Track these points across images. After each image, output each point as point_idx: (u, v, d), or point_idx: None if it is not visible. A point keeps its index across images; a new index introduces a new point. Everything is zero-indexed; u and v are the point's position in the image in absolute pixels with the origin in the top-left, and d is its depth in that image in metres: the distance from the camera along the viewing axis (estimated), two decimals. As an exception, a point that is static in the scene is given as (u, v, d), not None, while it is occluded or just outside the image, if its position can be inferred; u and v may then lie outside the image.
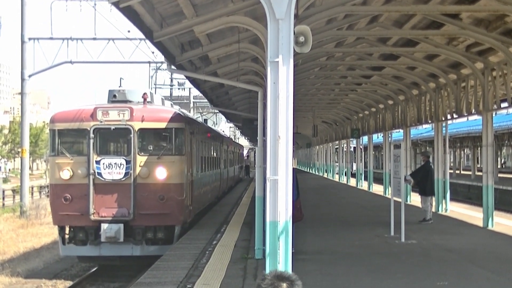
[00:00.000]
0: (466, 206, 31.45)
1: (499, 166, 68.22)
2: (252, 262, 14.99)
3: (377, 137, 59.03)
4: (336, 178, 61.24)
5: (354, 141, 54.25)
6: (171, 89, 66.86)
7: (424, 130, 67.51)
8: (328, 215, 26.17)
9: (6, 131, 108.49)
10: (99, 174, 19.63)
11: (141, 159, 19.77)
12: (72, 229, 20.02)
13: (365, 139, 48.89)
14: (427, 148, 64.52)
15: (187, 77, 25.13)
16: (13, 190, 51.30)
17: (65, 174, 19.71)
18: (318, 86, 33.67)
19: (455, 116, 25.43)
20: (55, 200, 20.01)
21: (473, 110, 23.46)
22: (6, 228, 33.94)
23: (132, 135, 19.75)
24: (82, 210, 19.56)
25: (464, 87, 24.29)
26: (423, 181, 22.81)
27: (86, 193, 19.53)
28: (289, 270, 8.63)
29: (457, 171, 67.56)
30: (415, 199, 29.01)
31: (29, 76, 39.32)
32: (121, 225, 19.44)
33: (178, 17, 15.72)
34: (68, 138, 20.51)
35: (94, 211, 19.53)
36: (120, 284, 19.31)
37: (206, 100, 41.42)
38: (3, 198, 48.67)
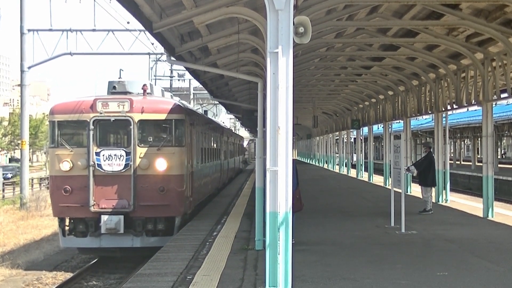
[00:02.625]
0: (466, 197, 31.52)
1: (499, 157, 68.27)
2: (252, 253, 15.00)
3: (378, 128, 59.02)
4: (337, 169, 61.27)
5: (355, 132, 54.26)
6: (171, 80, 66.86)
7: (424, 120, 67.56)
8: (328, 205, 26.18)
9: (5, 123, 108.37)
10: (99, 165, 19.62)
11: (141, 151, 19.75)
12: (72, 221, 20.01)
13: (365, 129, 48.89)
14: (427, 138, 64.53)
15: (187, 68, 25.12)
16: (13, 182, 51.34)
17: (65, 166, 19.70)
18: (318, 77, 33.65)
19: (455, 106, 25.39)
20: (55, 192, 20.00)
21: (473, 101, 23.44)
22: (6, 220, 33.99)
23: (132, 127, 19.73)
24: (82, 201, 19.56)
25: (464, 78, 24.28)
26: (425, 172, 22.80)
27: (86, 185, 19.52)
28: (289, 261, 8.64)
29: (458, 162, 67.64)
30: (416, 189, 29.03)
31: (29, 67, 39.31)
32: (121, 217, 19.44)
33: (177, 8, 15.70)
34: (67, 129, 20.48)
35: (94, 202, 19.53)
36: (121, 275, 19.32)
37: (206, 91, 41.39)
38: (3, 190, 48.71)
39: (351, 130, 52.46)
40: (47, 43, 40.51)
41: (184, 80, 69.71)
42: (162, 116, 20.24)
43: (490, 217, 21.19)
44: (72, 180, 19.69)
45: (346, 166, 56.20)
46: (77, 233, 19.90)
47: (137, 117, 19.83)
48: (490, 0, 17.31)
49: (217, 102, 53.39)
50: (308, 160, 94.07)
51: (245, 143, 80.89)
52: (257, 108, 17.44)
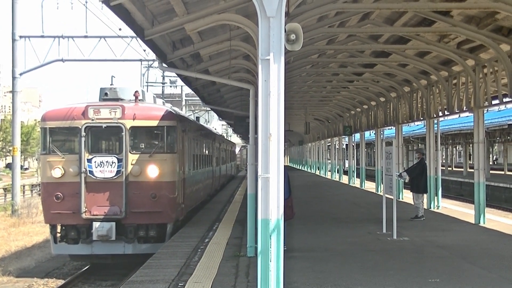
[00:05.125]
0: (458, 203, 31.57)
1: (491, 163, 68.43)
2: (244, 260, 14.99)
3: (369, 134, 59.12)
4: (329, 175, 61.28)
5: (346, 138, 54.33)
6: (163, 87, 66.80)
7: (416, 127, 67.64)
8: (320, 212, 26.19)
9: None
10: (91, 172, 19.59)
11: (133, 157, 19.74)
12: (63, 228, 19.97)
13: (357, 136, 48.96)
14: (419, 145, 64.62)
15: (179, 75, 25.11)
16: (5, 189, 51.19)
17: (57, 173, 19.67)
18: (310, 83, 33.67)
19: (446, 113, 25.44)
20: (47, 199, 19.96)
21: (464, 107, 23.50)
22: (-2, 226, 33.86)
23: (123, 133, 19.71)
24: (73, 208, 19.52)
25: (456, 84, 24.33)
26: (417, 178, 22.84)
27: (77, 192, 19.48)
28: (281, 268, 8.64)
29: (449, 168, 67.73)
30: (407, 196, 29.06)
31: (20, 74, 39.22)
32: (113, 224, 19.41)
33: (169, 15, 15.71)
34: (59, 136, 20.45)
35: (86, 209, 19.49)
36: (112, 282, 19.28)
37: (198, 98, 41.41)
38: (-5, 197, 48.57)
39: (343, 136, 52.51)
40: (39, 49, 40.64)
41: (176, 86, 69.75)
42: (154, 123, 20.23)
43: (481, 224, 21.23)
44: (64, 187, 19.66)
45: (338, 172, 56.21)
46: (68, 240, 19.86)
47: (129, 123, 19.82)
48: (481, 7, 17.35)
49: (209, 109, 53.34)
50: (300, 167, 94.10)
51: (237, 150, 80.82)
52: (249, 114, 17.45)
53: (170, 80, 66.96)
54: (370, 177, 50.70)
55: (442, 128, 38.23)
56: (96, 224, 19.39)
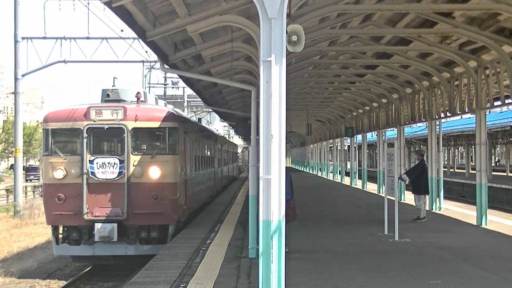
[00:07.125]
0: (460, 204, 31.53)
1: (492, 164, 68.37)
2: (245, 261, 14.98)
3: (371, 136, 59.09)
4: (330, 176, 61.24)
5: (348, 140, 54.31)
6: (164, 88, 66.82)
7: (418, 128, 67.63)
8: (322, 213, 26.18)
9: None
10: (93, 173, 19.60)
11: (134, 159, 19.75)
12: (65, 229, 19.98)
13: (359, 137, 48.94)
14: (421, 146, 64.60)
15: (181, 76, 25.11)
16: (7, 190, 51.22)
17: (59, 174, 19.68)
18: (311, 84, 33.68)
19: (448, 114, 25.43)
20: (49, 200, 19.96)
21: (466, 109, 23.49)
22: (0, 227, 33.87)
23: (125, 135, 19.72)
24: (75, 209, 19.53)
25: (458, 86, 24.32)
26: (417, 180, 22.83)
27: (79, 193, 19.49)
28: (283, 269, 8.64)
29: (451, 169, 67.71)
30: (409, 197, 29.04)
31: (23, 75, 39.28)
32: (115, 225, 19.42)
33: (171, 16, 15.72)
34: (61, 137, 20.46)
35: (88, 210, 19.50)
36: (114, 283, 19.29)
37: (200, 99, 41.41)
38: (-3, 198, 48.60)
39: (344, 137, 52.50)
40: (41, 50, 40.57)
41: (178, 87, 69.70)
42: (156, 124, 20.23)
43: (483, 225, 21.21)
44: (66, 188, 19.67)
45: (340, 173, 56.20)
46: (70, 241, 19.87)
47: (130, 125, 19.83)
48: (483, 8, 17.36)
49: (211, 110, 53.35)
50: (302, 168, 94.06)
51: (239, 151, 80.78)
52: (250, 116, 17.45)
53: (172, 81, 66.99)
54: (372, 178, 50.68)
55: (444, 129, 38.16)
56: (98, 225, 19.40)
